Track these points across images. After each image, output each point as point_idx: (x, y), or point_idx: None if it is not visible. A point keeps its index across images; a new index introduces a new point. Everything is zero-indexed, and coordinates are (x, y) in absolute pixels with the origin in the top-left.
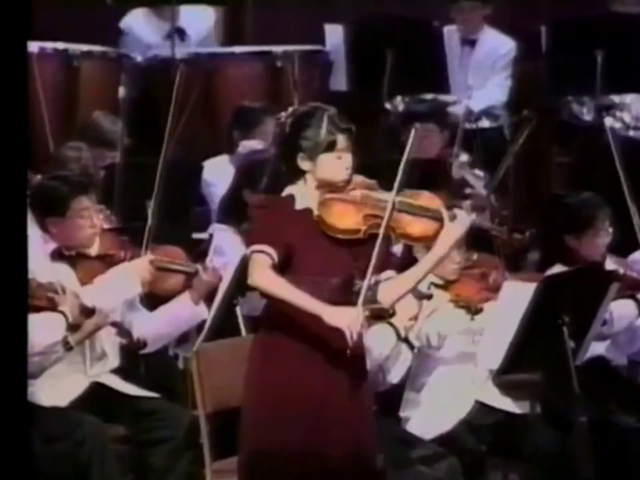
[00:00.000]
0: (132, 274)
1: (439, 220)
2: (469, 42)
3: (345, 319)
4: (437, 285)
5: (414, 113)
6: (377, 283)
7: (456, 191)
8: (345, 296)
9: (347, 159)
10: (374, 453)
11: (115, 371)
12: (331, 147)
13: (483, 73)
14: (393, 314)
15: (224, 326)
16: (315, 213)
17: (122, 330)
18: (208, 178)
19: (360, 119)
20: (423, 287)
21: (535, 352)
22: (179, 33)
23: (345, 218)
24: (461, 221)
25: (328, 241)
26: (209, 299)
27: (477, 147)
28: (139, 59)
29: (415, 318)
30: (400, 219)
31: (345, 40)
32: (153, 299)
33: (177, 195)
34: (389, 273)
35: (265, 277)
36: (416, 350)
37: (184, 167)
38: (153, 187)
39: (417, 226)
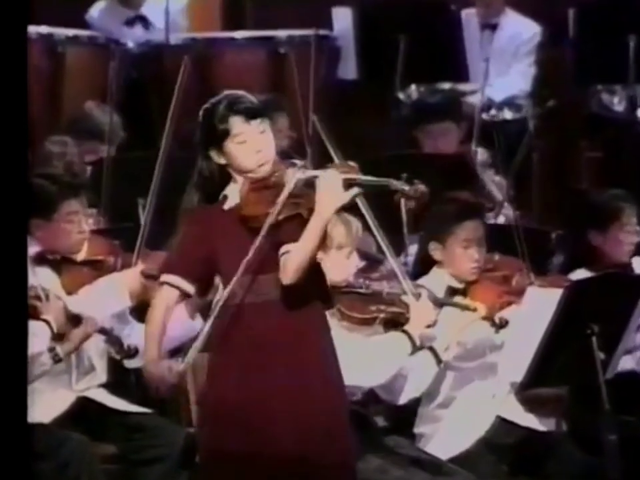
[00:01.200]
0: (121, 286)
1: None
2: (490, 26)
3: (153, 373)
4: (454, 289)
5: (428, 105)
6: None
7: (478, 189)
8: (276, 293)
9: (255, 142)
10: (348, 457)
11: (104, 385)
12: (226, 133)
13: (505, 60)
14: (406, 321)
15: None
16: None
17: (111, 337)
18: None
19: (370, 109)
20: (439, 291)
21: (562, 364)
22: (141, 21)
23: (259, 204)
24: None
25: (253, 236)
26: (205, 310)
27: (497, 141)
28: (130, 44)
29: (433, 325)
30: (308, 193)
31: (354, 24)
32: (145, 311)
33: (173, 193)
34: (289, 246)
35: (155, 309)
36: (442, 365)
37: (180, 162)
38: (146, 184)
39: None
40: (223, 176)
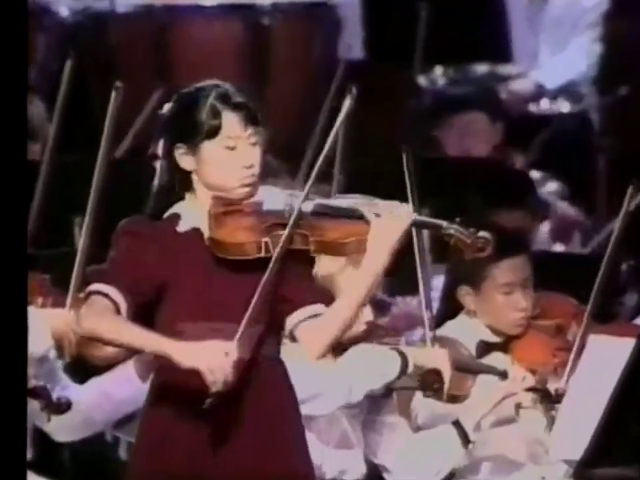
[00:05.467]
0: (40, 322)
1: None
2: None
3: (203, 356)
4: (490, 345)
5: (457, 94)
6: (297, 324)
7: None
8: (253, 347)
9: (246, 153)
10: None
11: (27, 465)
12: (214, 130)
13: (561, 35)
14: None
15: None
16: (206, 233)
17: (35, 388)
18: None
19: (380, 98)
20: (469, 346)
21: (632, 437)
22: None
23: (240, 231)
24: (393, 217)
25: (225, 270)
26: None
27: (549, 141)
28: (65, 13)
29: (464, 397)
30: (315, 224)
31: None
32: (82, 369)
33: (120, 209)
34: (315, 308)
35: (90, 320)
36: (471, 445)
37: (131, 168)
38: (86, 197)
39: (336, 229)
40: (180, 187)
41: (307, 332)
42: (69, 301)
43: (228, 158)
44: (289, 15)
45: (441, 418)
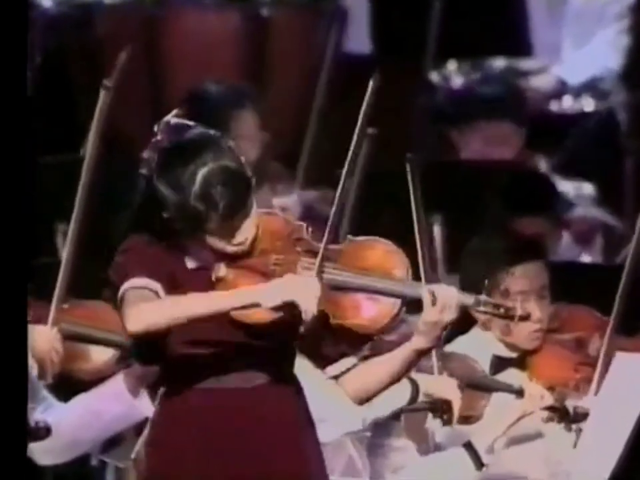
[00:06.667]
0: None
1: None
2: None
3: (292, 288)
4: (505, 360)
5: (477, 95)
6: (338, 375)
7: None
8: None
9: (236, 234)
10: None
11: None
12: (199, 224)
13: (585, 27)
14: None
15: None
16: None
17: None
18: None
19: (389, 96)
20: (483, 362)
21: None
22: None
23: None
24: (446, 302)
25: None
26: (154, 385)
27: (574, 142)
28: (48, 3)
29: (477, 418)
30: (336, 299)
31: None
32: (67, 385)
33: (106, 216)
34: (351, 360)
35: (146, 306)
36: (485, 469)
37: (118, 171)
38: (68, 202)
39: (365, 311)
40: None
41: (351, 384)
42: (51, 316)
43: (217, 237)
44: (290, 6)
45: (459, 437)
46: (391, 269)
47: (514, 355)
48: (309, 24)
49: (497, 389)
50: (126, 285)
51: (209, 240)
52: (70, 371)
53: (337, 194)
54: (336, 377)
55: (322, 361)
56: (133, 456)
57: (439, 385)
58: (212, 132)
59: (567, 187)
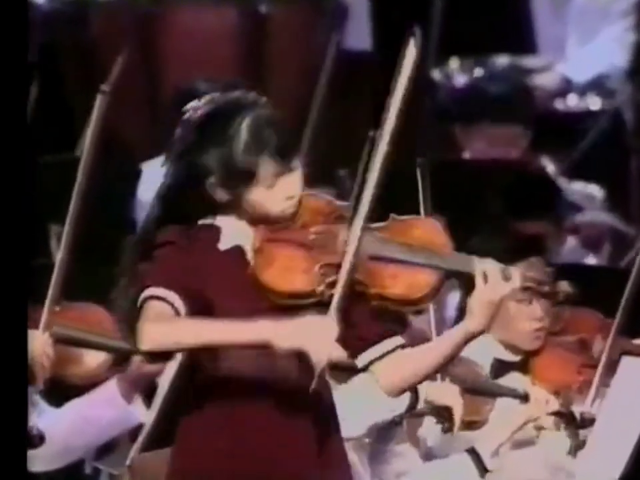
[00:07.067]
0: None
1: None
2: None
3: (306, 335)
4: (507, 364)
5: (483, 94)
6: (374, 360)
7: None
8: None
9: (287, 183)
10: None
11: None
12: (249, 177)
13: (590, 23)
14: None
15: (172, 427)
16: (250, 263)
17: None
18: (144, 196)
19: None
20: (484, 365)
21: None
22: None
23: (290, 274)
24: (501, 280)
25: (270, 303)
26: (148, 391)
27: (581, 143)
28: (41, 0)
29: (482, 423)
30: (375, 269)
31: None
32: (60, 390)
33: (100, 217)
34: (393, 340)
35: (160, 327)
36: (489, 475)
37: (112, 171)
38: (62, 203)
39: (398, 278)
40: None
41: (385, 372)
42: (43, 320)
43: (269, 196)
44: (289, 3)
45: (454, 442)
46: (438, 245)
47: (516, 358)
48: (308, 21)
49: (502, 393)
50: (146, 293)
51: (254, 201)
52: (62, 376)
53: (376, 169)
54: (370, 364)
55: (356, 345)
56: (127, 462)
57: (440, 391)
58: (249, 92)
59: (574, 189)
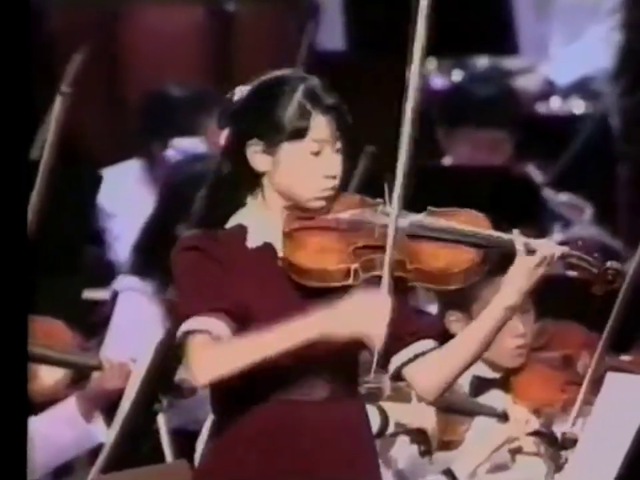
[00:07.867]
0: None
1: (487, 247)
2: None
3: (363, 320)
4: (487, 381)
5: (466, 98)
6: (406, 362)
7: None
8: (335, 384)
9: (331, 161)
10: None
11: None
12: (301, 132)
13: (575, 22)
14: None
15: (136, 446)
16: (280, 251)
17: None
18: (106, 204)
19: (365, 97)
20: (464, 381)
21: None
22: None
23: (324, 254)
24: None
25: (304, 295)
26: (109, 409)
27: (566, 150)
28: None
29: (458, 443)
30: (414, 247)
31: None
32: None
33: (57, 225)
34: (425, 343)
35: (210, 358)
36: None
37: (71, 177)
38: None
39: (438, 255)
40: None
41: (420, 374)
42: None
43: (310, 164)
44: (257, 1)
45: (428, 463)
46: (482, 227)
47: (496, 375)
48: (278, 20)
49: (480, 412)
50: (185, 327)
51: (293, 172)
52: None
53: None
54: (402, 366)
55: (394, 345)
56: None
57: (413, 413)
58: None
59: (561, 201)
